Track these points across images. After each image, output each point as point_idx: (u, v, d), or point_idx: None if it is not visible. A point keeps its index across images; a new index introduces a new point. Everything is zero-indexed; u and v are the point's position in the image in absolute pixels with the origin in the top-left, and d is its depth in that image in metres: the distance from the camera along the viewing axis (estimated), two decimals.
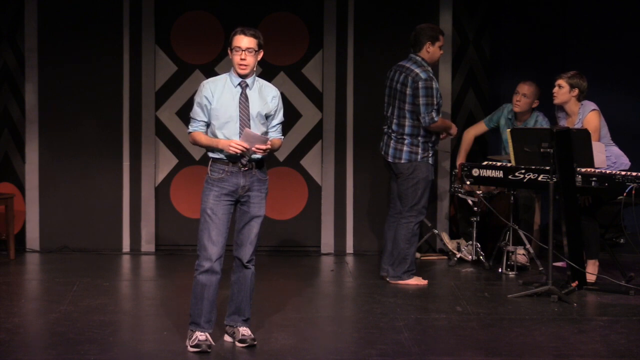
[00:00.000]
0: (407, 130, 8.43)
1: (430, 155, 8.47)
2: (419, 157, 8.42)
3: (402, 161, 8.44)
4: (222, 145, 6.42)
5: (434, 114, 8.33)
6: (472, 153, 9.97)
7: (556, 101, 8.54)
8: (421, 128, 8.39)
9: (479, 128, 9.52)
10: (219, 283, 6.51)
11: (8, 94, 9.76)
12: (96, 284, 8.42)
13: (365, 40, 9.87)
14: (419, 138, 8.42)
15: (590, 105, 8.49)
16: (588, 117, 8.46)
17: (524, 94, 9.21)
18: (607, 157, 8.42)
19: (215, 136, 6.50)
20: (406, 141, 8.43)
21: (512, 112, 9.35)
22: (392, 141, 8.50)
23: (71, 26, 9.75)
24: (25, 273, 9.13)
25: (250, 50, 6.46)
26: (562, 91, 8.49)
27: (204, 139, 6.52)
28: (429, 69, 8.44)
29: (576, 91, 8.46)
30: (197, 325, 6.50)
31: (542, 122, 9.30)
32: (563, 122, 8.61)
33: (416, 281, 8.55)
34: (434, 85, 8.35)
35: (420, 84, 8.33)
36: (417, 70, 8.40)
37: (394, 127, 8.48)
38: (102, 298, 7.90)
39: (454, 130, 8.63)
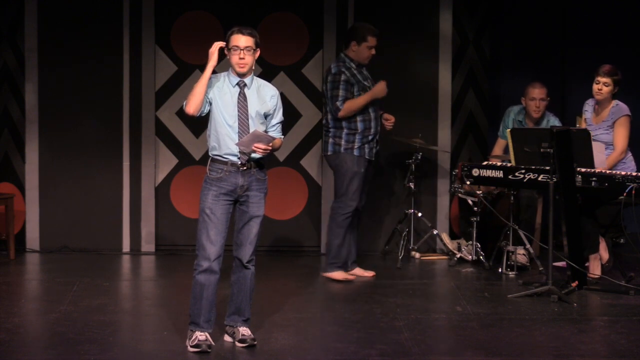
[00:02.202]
0: (330, 123, 8.67)
1: (356, 146, 8.59)
2: (342, 148, 8.59)
3: (328, 153, 8.69)
4: (210, 53, 6.46)
5: (338, 104, 8.54)
6: (473, 153, 9.99)
7: (600, 97, 8.52)
8: (343, 120, 8.59)
9: (501, 144, 9.46)
10: (218, 283, 6.51)
11: (8, 94, 9.76)
12: (96, 284, 8.42)
13: None
14: (343, 130, 8.61)
15: (623, 109, 8.46)
16: (621, 121, 8.44)
17: (541, 99, 9.21)
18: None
19: (217, 134, 6.48)
20: (330, 133, 8.66)
21: (522, 114, 9.31)
22: (324, 134, 8.80)
23: (71, 26, 9.76)
24: (25, 273, 9.13)
25: (248, 49, 6.47)
26: (609, 89, 8.47)
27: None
28: (347, 64, 8.62)
29: (617, 89, 8.48)
30: (197, 325, 6.49)
31: (554, 121, 9.28)
32: (589, 117, 8.59)
33: (340, 275, 8.67)
34: (341, 78, 8.55)
35: (328, 78, 8.64)
36: (331, 66, 8.70)
37: (323, 120, 8.83)
38: (102, 298, 7.90)
39: (378, 90, 8.66)
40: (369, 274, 8.85)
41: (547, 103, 9.25)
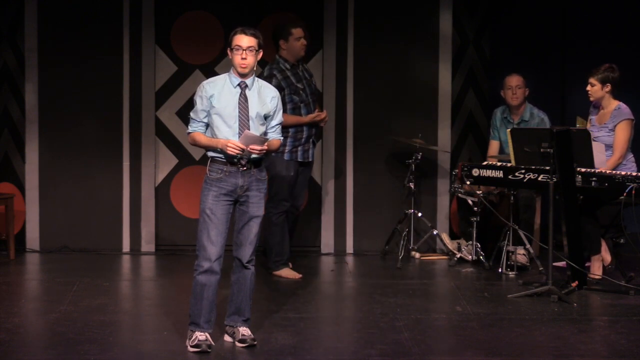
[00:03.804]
0: None
1: (287, 150, 8.71)
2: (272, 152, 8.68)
3: None
4: (220, 146, 6.43)
5: None
6: (473, 153, 9.99)
7: (592, 99, 8.54)
8: None
9: (494, 146, 9.51)
10: (219, 283, 6.51)
11: (8, 94, 9.76)
12: (96, 284, 8.42)
13: (365, 40, 9.87)
14: None
15: (624, 113, 8.43)
16: (622, 125, 8.43)
17: (517, 86, 9.31)
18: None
19: (215, 136, 6.50)
20: None
21: (506, 110, 9.42)
22: None
23: (71, 26, 9.75)
24: (25, 273, 9.13)
25: (250, 49, 6.46)
26: (595, 89, 8.48)
27: (203, 139, 6.53)
28: (279, 65, 8.77)
29: (609, 86, 8.47)
30: (197, 325, 6.49)
31: (538, 113, 9.36)
32: (593, 118, 8.59)
33: (287, 273, 8.77)
34: (272, 83, 8.54)
35: None
36: (265, 69, 8.80)
37: None
38: (102, 298, 7.90)
39: (311, 120, 8.79)
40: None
41: (524, 91, 9.37)
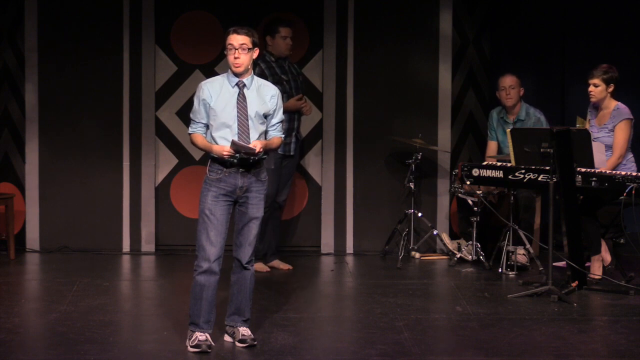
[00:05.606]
0: None
1: None
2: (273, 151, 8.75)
3: None
4: (215, 151, 6.42)
5: None
6: (473, 153, 10.00)
7: (594, 100, 8.48)
8: None
9: (492, 146, 9.52)
10: (218, 283, 6.51)
11: (8, 94, 9.76)
12: (96, 284, 8.42)
13: (365, 40, 9.87)
14: None
15: (623, 113, 8.41)
16: (621, 125, 8.41)
17: (511, 87, 9.33)
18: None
19: (213, 137, 6.49)
20: None
21: (502, 111, 9.43)
22: None
23: (71, 26, 9.76)
24: (25, 273, 9.13)
25: (243, 47, 6.45)
26: (599, 89, 8.44)
27: (200, 142, 6.52)
28: (267, 58, 8.90)
29: (612, 86, 8.45)
30: (196, 325, 6.49)
31: (534, 112, 9.37)
32: (593, 119, 8.59)
33: (257, 267, 8.76)
34: (255, 71, 8.65)
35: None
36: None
37: None
38: (102, 298, 7.90)
39: (291, 105, 8.87)
40: (286, 266, 9.06)
41: (518, 91, 9.38)
